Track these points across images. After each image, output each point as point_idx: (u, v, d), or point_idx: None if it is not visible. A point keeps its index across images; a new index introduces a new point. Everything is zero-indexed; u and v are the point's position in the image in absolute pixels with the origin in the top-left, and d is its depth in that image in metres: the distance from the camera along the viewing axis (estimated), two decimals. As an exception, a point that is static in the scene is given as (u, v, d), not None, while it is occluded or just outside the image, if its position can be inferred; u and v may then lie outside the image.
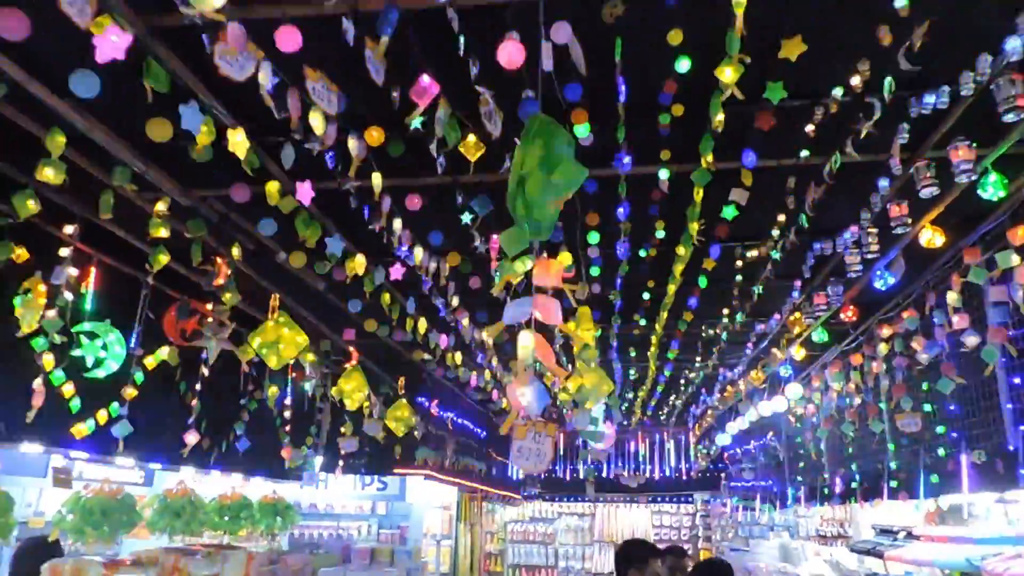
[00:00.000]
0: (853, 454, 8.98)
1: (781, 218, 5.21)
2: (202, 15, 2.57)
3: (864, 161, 4.51)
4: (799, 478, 12.02)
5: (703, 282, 6.33)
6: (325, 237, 4.96)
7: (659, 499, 20.53)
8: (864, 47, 3.59)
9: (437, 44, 3.35)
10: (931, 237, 4.86)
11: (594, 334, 5.69)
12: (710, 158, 4.22)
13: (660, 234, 5.25)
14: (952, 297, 5.23)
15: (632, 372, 10.01)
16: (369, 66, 3.10)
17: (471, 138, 4.10)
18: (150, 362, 6.27)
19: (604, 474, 18.07)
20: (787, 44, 3.36)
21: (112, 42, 2.59)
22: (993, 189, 4.08)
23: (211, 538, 8.88)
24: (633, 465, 17.85)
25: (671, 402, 13.37)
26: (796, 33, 3.36)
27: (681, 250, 5.52)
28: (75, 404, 5.02)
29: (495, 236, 5.12)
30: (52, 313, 4.51)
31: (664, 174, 4.45)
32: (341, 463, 9.73)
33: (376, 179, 4.48)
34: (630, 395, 12.22)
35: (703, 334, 8.13)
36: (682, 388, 11.70)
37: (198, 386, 6.42)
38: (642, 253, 5.89)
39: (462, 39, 3.19)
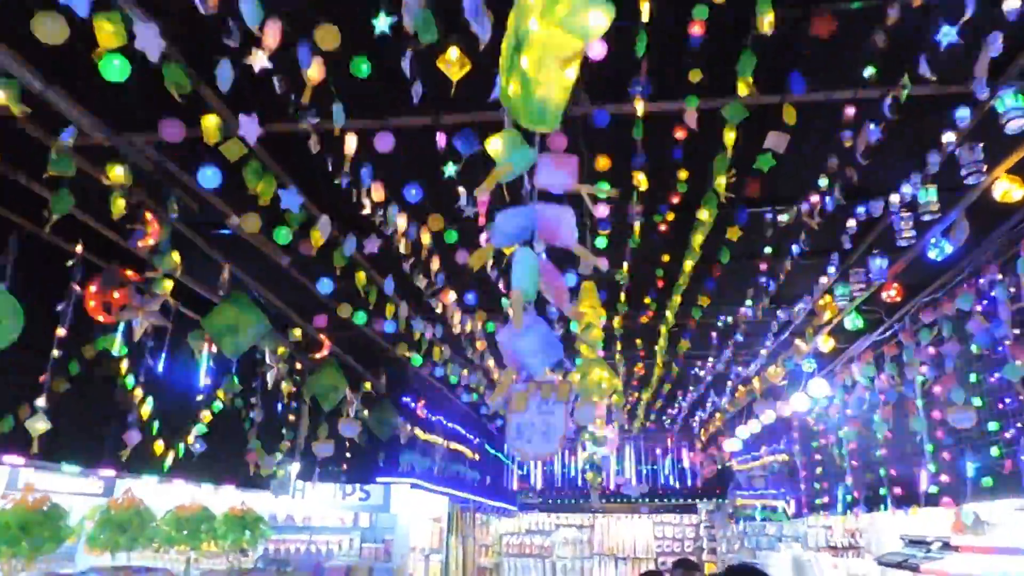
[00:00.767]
0: (883, 457, 8.14)
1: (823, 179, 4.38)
2: None
3: (931, 96, 3.72)
4: (816, 485, 11.16)
5: (725, 256, 5.49)
6: (280, 189, 4.12)
7: (661, 509, 19.63)
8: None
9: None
10: (1008, 189, 4.04)
11: (600, 314, 4.84)
12: (750, 79, 3.39)
13: (681, 188, 4.40)
14: (1026, 265, 4.42)
15: (638, 367, 9.14)
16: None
17: (453, 52, 3.27)
18: (89, 350, 5.43)
19: (604, 483, 17.14)
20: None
21: None
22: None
23: (179, 554, 7.99)
24: (635, 473, 16.94)
25: (677, 404, 12.50)
26: None
27: (704, 214, 4.69)
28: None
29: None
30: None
31: (692, 104, 3.62)
32: (318, 470, 8.82)
33: (337, 112, 3.64)
34: (634, 396, 11.35)
35: (719, 323, 7.29)
36: (690, 388, 10.84)
37: (142, 378, 5.52)
38: (657, 219, 5.06)
39: None
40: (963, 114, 3.59)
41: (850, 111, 3.80)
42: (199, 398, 6.43)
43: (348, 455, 9.38)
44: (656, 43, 3.36)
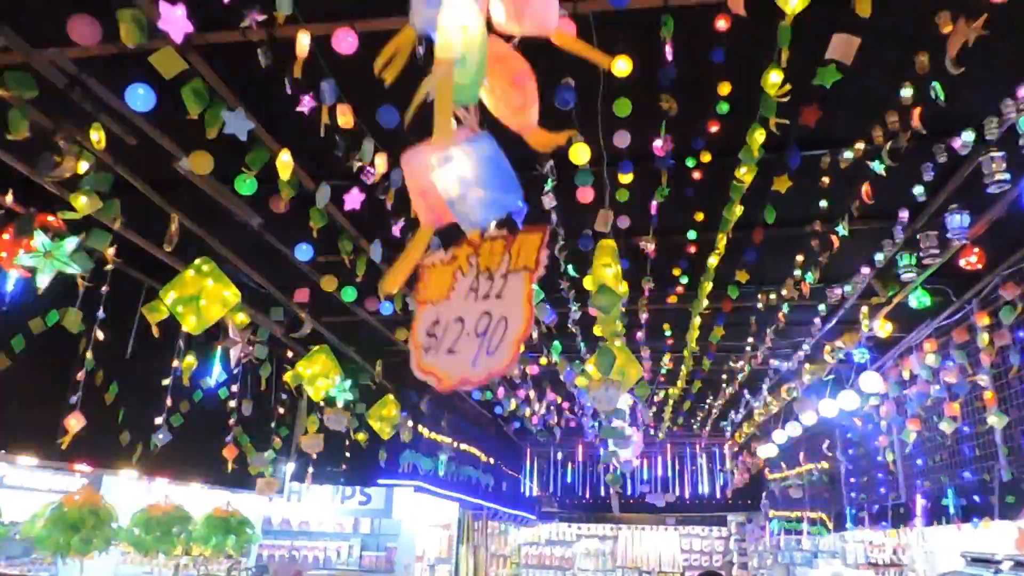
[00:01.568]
0: (946, 462, 7.14)
1: (906, 93, 3.50)
2: None
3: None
4: (862, 495, 10.13)
5: (770, 215, 4.62)
6: (225, 112, 3.35)
7: (689, 521, 18.57)
8: None
9: None
10: None
11: (618, 275, 4.00)
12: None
13: (722, 109, 3.55)
14: None
15: (665, 359, 8.22)
16: None
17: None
18: (36, 324, 4.73)
19: (628, 492, 16.16)
20: None
21: None
22: None
23: (169, 560, 7.28)
24: (660, 482, 15.93)
25: (707, 405, 11.53)
26: None
27: (753, 143, 3.82)
28: None
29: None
30: None
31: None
32: (311, 470, 8.05)
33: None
34: (659, 395, 10.42)
35: (759, 302, 6.38)
36: (723, 385, 9.89)
37: (89, 354, 4.79)
38: (690, 163, 4.21)
39: None
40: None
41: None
42: (165, 383, 5.67)
43: (347, 455, 8.62)
44: None
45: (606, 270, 3.92)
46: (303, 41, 3.05)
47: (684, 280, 5.72)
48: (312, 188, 4.29)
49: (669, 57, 3.16)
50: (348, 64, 3.15)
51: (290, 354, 7.55)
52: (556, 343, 7.07)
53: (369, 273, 5.43)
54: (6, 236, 3.48)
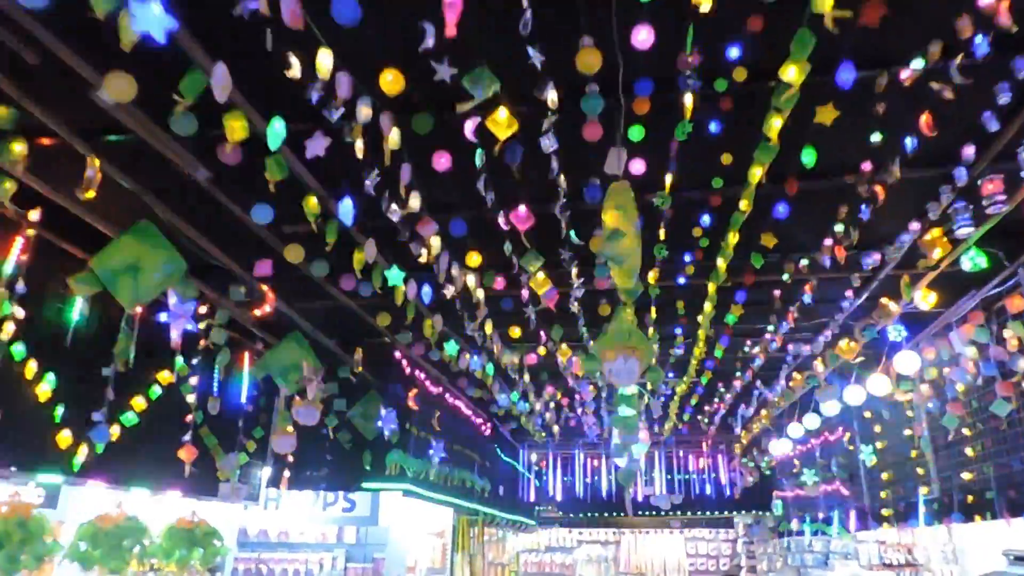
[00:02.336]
0: (988, 452, 6.45)
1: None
2: None
3: None
4: (885, 492, 9.43)
5: (810, 157, 3.91)
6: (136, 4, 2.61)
7: (695, 523, 17.83)
8: None
9: None
10: None
11: (632, 214, 3.27)
12: None
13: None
14: None
15: (678, 342, 7.47)
16: None
17: None
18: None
19: (632, 496, 15.41)
20: None
21: None
22: None
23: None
24: (665, 483, 15.18)
25: (717, 399, 10.80)
26: None
27: (791, 71, 3.12)
28: None
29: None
30: None
31: None
32: (287, 474, 7.29)
33: None
34: (666, 388, 9.69)
35: (785, 273, 5.66)
36: (735, 374, 9.17)
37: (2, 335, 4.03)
38: (720, 86, 3.50)
39: None
40: None
41: None
42: (103, 371, 4.90)
43: (328, 457, 7.86)
44: None
45: (619, 213, 3.20)
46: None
47: (703, 244, 4.99)
48: (263, 129, 3.55)
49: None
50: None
51: (261, 346, 6.81)
52: (556, 327, 6.34)
53: (342, 243, 4.70)
54: None
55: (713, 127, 3.74)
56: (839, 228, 4.76)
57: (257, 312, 4.95)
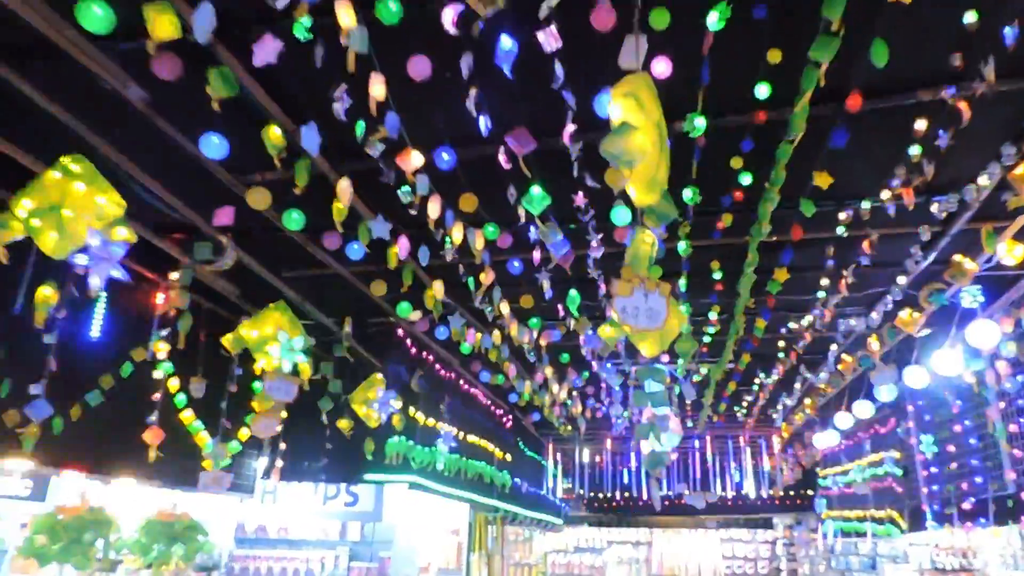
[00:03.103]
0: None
1: None
2: None
3: None
4: (950, 487, 8.46)
5: (879, 56, 3.09)
6: None
7: (731, 523, 16.87)
8: None
9: None
10: None
11: (652, 115, 2.50)
12: None
13: None
14: None
15: (711, 325, 6.59)
16: None
17: None
18: None
19: (663, 491, 14.52)
20: None
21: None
22: None
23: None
24: (699, 480, 14.26)
25: (755, 387, 9.90)
26: None
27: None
28: None
29: None
30: None
31: None
32: (279, 463, 6.64)
33: None
34: (700, 373, 8.84)
35: (838, 227, 4.82)
36: (777, 357, 8.28)
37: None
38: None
39: None
40: None
41: None
42: (49, 341, 4.26)
43: (328, 446, 7.20)
44: None
45: (630, 101, 2.43)
46: None
47: (743, 179, 4.17)
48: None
49: None
50: None
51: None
52: (573, 293, 5.57)
53: (316, 187, 4.01)
54: None
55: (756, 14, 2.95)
56: (913, 153, 3.90)
57: (219, 268, 4.26)
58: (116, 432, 5.25)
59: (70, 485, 5.87)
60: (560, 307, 6.20)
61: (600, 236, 4.80)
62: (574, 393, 9.89)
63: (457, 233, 4.53)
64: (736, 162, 3.95)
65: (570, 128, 3.62)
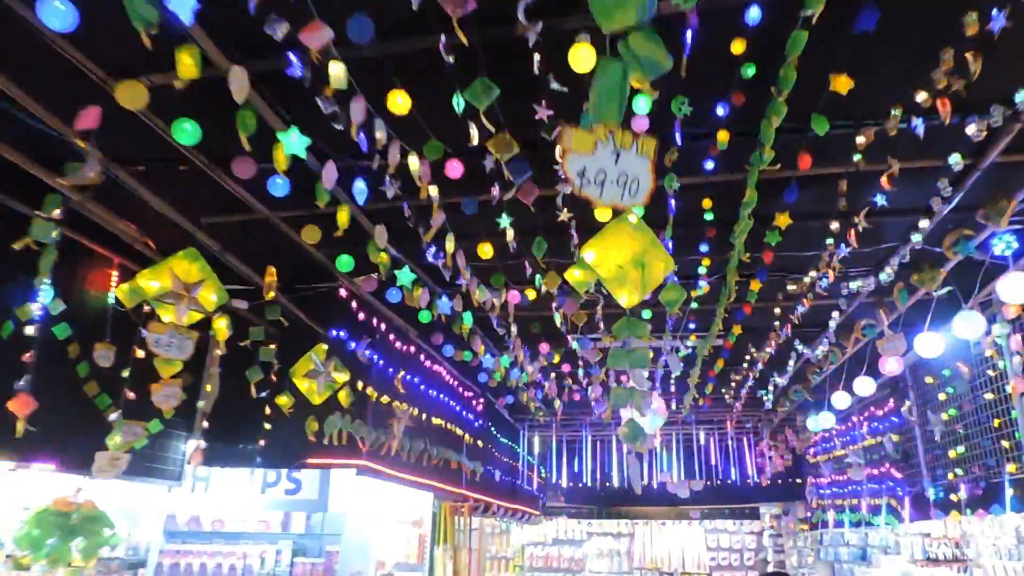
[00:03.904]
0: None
1: None
2: None
3: None
4: (956, 472, 7.76)
5: None
6: None
7: (716, 514, 16.18)
8: None
9: None
10: None
11: None
12: None
13: None
14: None
15: (704, 266, 5.68)
16: None
17: None
18: None
19: (645, 481, 13.77)
20: None
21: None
22: None
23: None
24: (683, 468, 13.52)
25: (746, 365, 9.13)
26: None
27: None
28: None
29: None
30: None
31: None
32: (200, 444, 5.75)
33: None
34: (685, 347, 8.03)
35: (854, 154, 4.02)
36: (773, 326, 7.49)
37: None
38: None
39: None
40: None
41: None
42: None
43: (267, 426, 6.33)
44: None
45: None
46: None
47: (747, 72, 3.33)
48: None
49: None
50: None
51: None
52: (539, 240, 4.73)
53: (212, 86, 3.15)
54: None
55: None
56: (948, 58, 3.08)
57: (79, 182, 3.37)
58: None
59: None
60: (527, 265, 5.38)
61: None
62: (551, 375, 9.08)
63: (393, 152, 3.67)
64: (738, 46, 3.11)
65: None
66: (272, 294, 4.46)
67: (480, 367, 7.76)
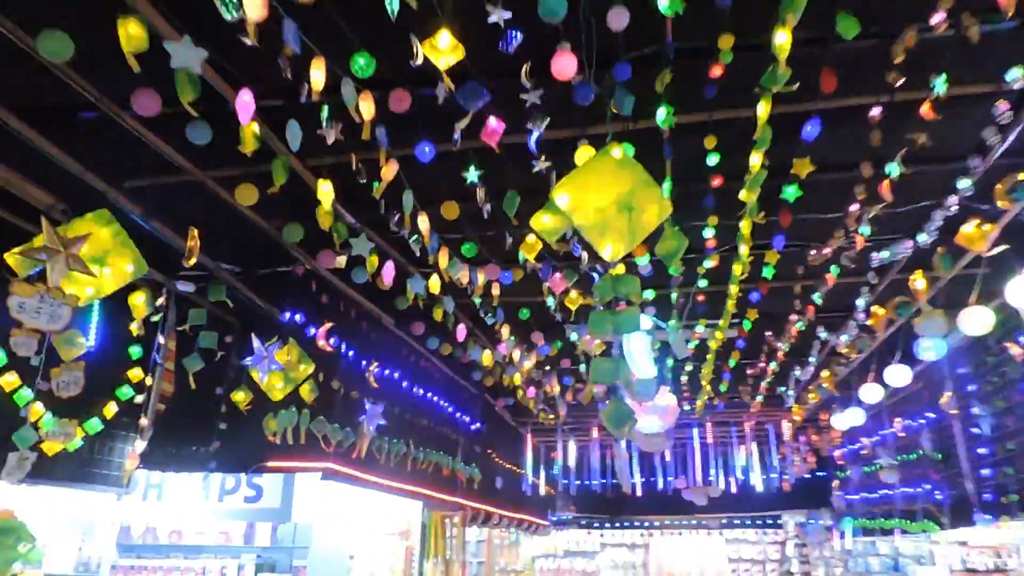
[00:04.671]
0: None
1: None
2: None
3: None
4: (1007, 471, 6.89)
5: None
6: None
7: (736, 522, 15.27)
8: None
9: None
10: None
11: None
12: None
13: None
14: None
15: (710, 226, 4.84)
16: None
17: None
18: None
19: (659, 488, 12.93)
20: None
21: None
22: None
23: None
24: (700, 473, 12.66)
25: (763, 356, 8.29)
26: None
27: None
28: None
29: None
30: None
31: None
32: (140, 445, 5.07)
33: None
34: (694, 336, 7.23)
35: (891, 69, 3.26)
36: (793, 306, 6.67)
37: None
38: None
39: None
40: None
41: None
42: None
43: (222, 425, 5.64)
44: None
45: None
46: None
47: None
48: None
49: None
50: None
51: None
52: (511, 195, 3.99)
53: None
54: None
55: None
56: None
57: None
58: None
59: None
60: (508, 235, 4.64)
61: (541, 93, 3.24)
62: (547, 368, 8.33)
63: (316, 73, 2.97)
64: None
65: None
66: (193, 260, 3.78)
67: (473, 364, 7.04)
